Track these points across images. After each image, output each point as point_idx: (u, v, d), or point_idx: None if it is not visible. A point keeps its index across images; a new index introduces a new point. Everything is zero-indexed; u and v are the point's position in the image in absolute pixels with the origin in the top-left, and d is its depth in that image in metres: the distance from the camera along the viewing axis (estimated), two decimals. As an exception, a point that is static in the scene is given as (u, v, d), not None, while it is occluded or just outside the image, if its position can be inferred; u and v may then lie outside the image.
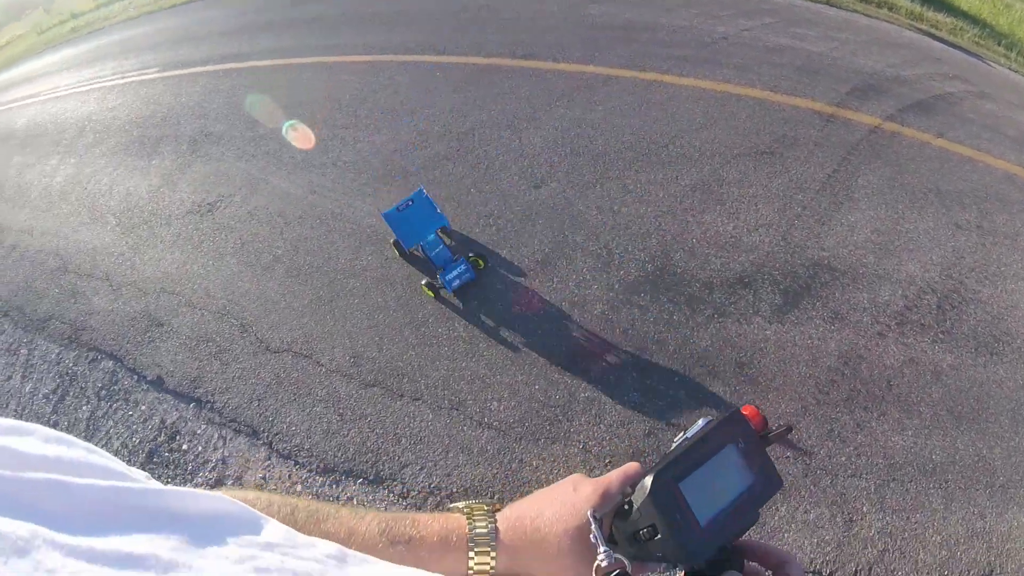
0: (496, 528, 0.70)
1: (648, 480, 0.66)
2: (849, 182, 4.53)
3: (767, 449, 0.74)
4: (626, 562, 0.65)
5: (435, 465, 2.92)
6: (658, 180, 4.26)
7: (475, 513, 0.72)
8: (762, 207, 4.11)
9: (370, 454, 2.98)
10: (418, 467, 2.92)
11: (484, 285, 3.62)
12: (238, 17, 9.52)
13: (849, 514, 2.79)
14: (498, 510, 0.74)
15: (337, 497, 2.88)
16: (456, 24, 7.00)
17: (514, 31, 6.67)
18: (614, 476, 0.73)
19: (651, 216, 4.00)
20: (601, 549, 0.64)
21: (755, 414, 0.77)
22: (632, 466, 0.73)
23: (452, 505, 0.74)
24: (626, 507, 0.67)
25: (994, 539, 2.90)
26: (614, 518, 0.69)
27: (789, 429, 0.80)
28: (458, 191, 4.28)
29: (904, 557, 2.78)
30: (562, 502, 0.71)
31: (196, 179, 5.12)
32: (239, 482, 2.96)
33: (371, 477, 2.92)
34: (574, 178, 4.32)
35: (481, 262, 3.58)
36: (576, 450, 2.95)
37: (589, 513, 0.67)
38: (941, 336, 3.67)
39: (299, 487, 2.93)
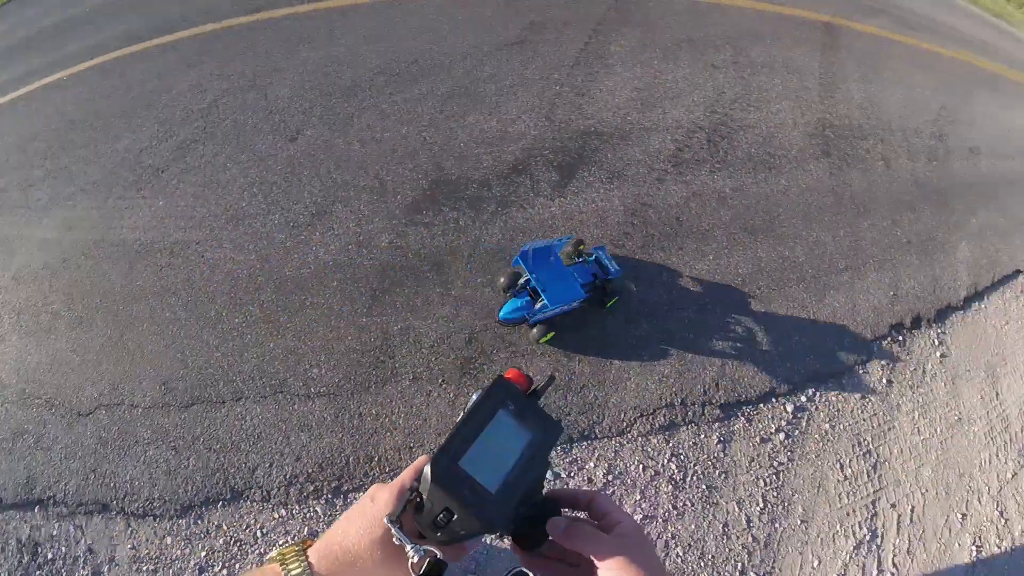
0: (309, 564, 0.74)
1: (426, 469, 0.71)
2: (602, 51, 4.74)
3: (539, 402, 0.83)
4: (436, 551, 0.71)
5: (282, 455, 2.84)
6: (415, 96, 4.22)
7: (287, 557, 0.75)
8: (521, 95, 4.20)
9: (218, 474, 2.85)
10: (267, 465, 2.83)
11: (266, 256, 3.48)
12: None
13: (682, 344, 3.10)
14: (310, 546, 0.77)
15: (207, 531, 2.74)
16: None
17: None
18: (404, 474, 0.79)
19: (414, 134, 3.96)
20: (408, 548, 0.69)
21: (518, 376, 0.86)
22: (420, 460, 0.80)
23: (268, 556, 0.77)
24: (418, 500, 0.72)
25: (819, 323, 3.41)
26: (414, 513, 0.73)
27: (552, 379, 0.91)
28: (214, 171, 4.04)
29: (741, 367, 3.14)
30: (363, 515, 0.76)
31: (-65, 258, 4.50)
32: (114, 564, 2.74)
33: (228, 496, 2.79)
34: (329, 119, 4.19)
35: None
36: (407, 382, 2.95)
37: (385, 519, 0.71)
38: (718, 166, 4.02)
39: (168, 539, 2.75)
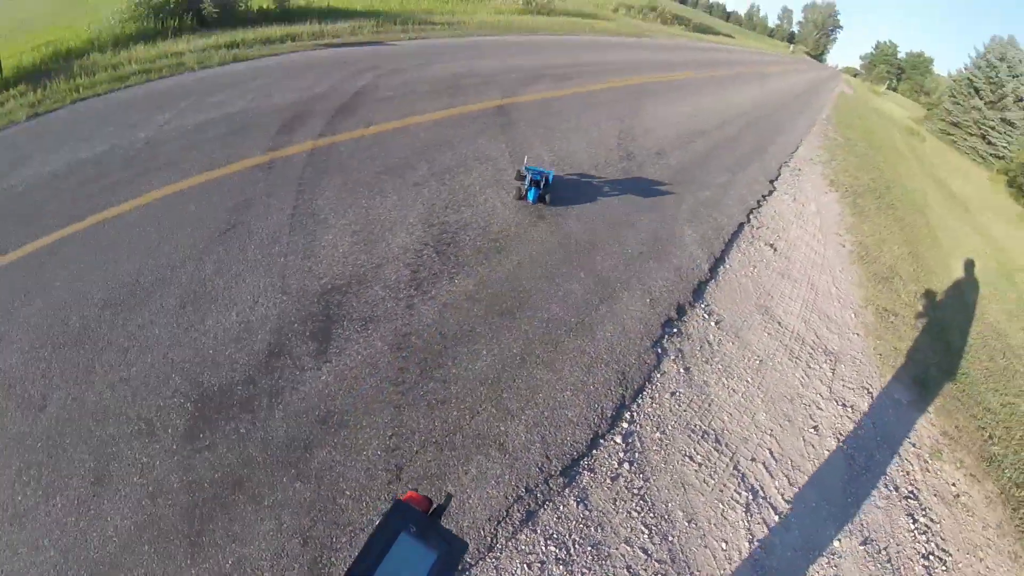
0: None
1: None
2: (311, 208, 5.18)
3: (442, 520, 0.89)
4: None
5: None
6: (148, 319, 4.19)
7: None
8: (250, 279, 4.41)
9: None
10: None
11: (65, 548, 3.18)
12: None
13: (499, 443, 3.44)
14: None
15: None
16: None
17: None
18: None
19: (160, 359, 3.91)
20: None
21: (416, 497, 0.94)
22: None
23: None
24: None
25: (604, 355, 3.87)
26: None
27: (450, 497, 1.01)
28: None
29: (559, 431, 3.42)
30: None
31: None
32: None
33: None
34: (71, 373, 3.91)
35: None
36: None
37: None
38: (454, 271, 4.58)
39: None
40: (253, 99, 7.91)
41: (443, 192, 5.64)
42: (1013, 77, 45.85)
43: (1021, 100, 45.49)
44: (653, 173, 7.41)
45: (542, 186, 5.81)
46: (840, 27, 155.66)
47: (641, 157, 7.85)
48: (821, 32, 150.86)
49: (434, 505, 0.97)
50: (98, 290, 4.52)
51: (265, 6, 15.67)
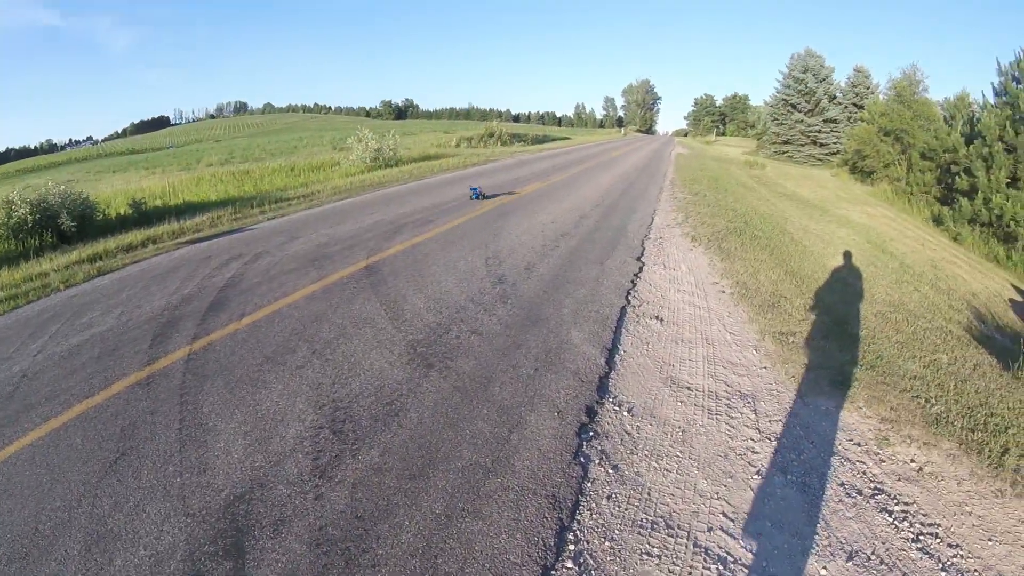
0: None
1: None
2: (198, 418, 4.86)
3: None
4: None
5: None
6: (53, 573, 3.73)
7: None
8: (150, 508, 4.03)
9: None
10: None
11: None
12: None
13: None
14: None
15: None
16: None
17: None
18: None
19: None
20: None
21: None
22: None
23: None
24: None
25: (529, 485, 3.62)
26: None
27: None
28: None
29: (498, 572, 3.27)
30: None
31: None
32: None
33: None
34: None
35: None
36: None
37: None
38: (355, 446, 4.34)
39: None
40: (123, 312, 7.62)
41: (327, 369, 5.45)
42: (820, 81, 51.28)
43: (835, 98, 50.75)
44: (527, 289, 7.52)
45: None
46: (660, 98, 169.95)
47: (512, 277, 7.97)
48: (644, 108, 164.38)
49: None
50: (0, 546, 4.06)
51: (123, 212, 15.46)
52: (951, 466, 4.33)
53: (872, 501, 3.95)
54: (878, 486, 4.10)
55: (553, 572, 3.38)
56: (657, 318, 6.74)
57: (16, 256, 12.83)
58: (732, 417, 4.76)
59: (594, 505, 3.82)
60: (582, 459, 4.25)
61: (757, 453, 4.35)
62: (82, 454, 4.66)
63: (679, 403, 4.94)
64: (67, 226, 13.90)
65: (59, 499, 4.26)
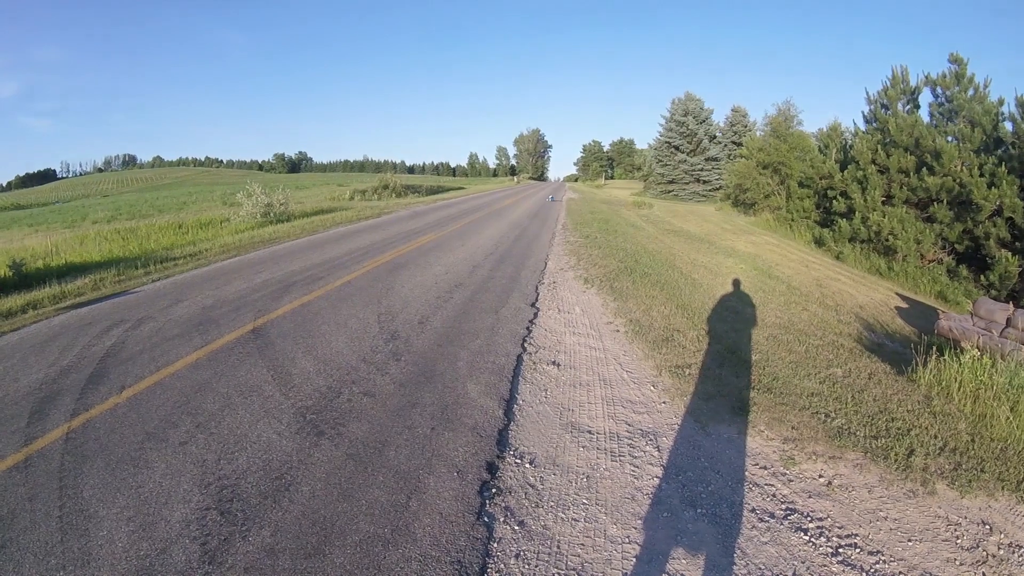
0: None
1: None
2: (78, 505, 4.34)
3: None
4: None
5: None
6: None
7: None
8: None
9: None
10: None
11: None
12: None
13: None
14: None
15: None
16: None
17: None
18: None
19: None
20: None
21: None
22: None
23: None
24: None
25: (432, 554, 3.50)
26: None
27: None
28: None
29: None
30: None
31: None
32: None
33: None
34: None
35: None
36: None
37: None
38: (245, 528, 3.98)
39: None
40: (-2, 389, 6.81)
41: (212, 443, 5.01)
42: (701, 123, 54.32)
43: (715, 138, 53.77)
44: (421, 344, 7.32)
45: None
46: (550, 146, 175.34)
47: (405, 332, 7.74)
48: (535, 156, 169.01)
49: None
50: None
51: (1, 274, 14.21)
52: (860, 475, 4.43)
53: (786, 522, 3.96)
54: (790, 506, 4.13)
55: None
56: (554, 363, 6.69)
57: None
58: (636, 456, 4.72)
59: (502, 566, 3.65)
60: (486, 519, 4.06)
61: (664, 490, 4.30)
62: None
63: (581, 448, 4.86)
64: None
65: None
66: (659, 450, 4.84)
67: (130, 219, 36.45)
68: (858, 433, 4.97)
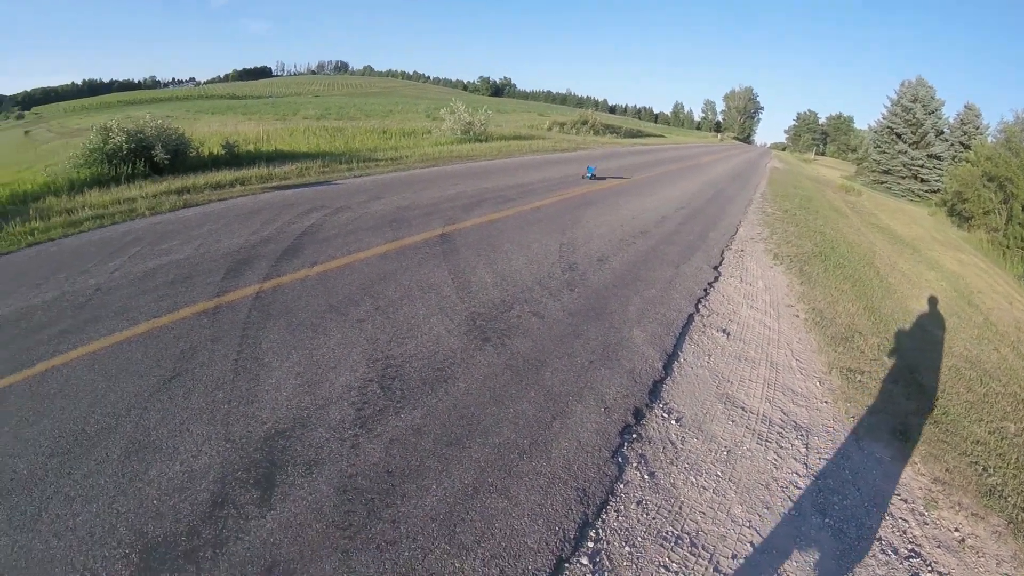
0: None
1: None
2: (255, 353, 5.04)
3: None
4: None
5: None
6: (93, 469, 4.03)
7: None
8: (194, 428, 4.24)
9: None
10: None
11: None
12: None
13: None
14: None
15: None
16: None
17: None
18: None
19: (106, 509, 3.74)
20: None
21: None
22: None
23: None
24: None
25: (561, 474, 3.67)
26: None
27: None
28: None
29: (516, 562, 3.23)
30: None
31: None
32: None
33: None
34: (16, 520, 3.72)
35: None
36: None
37: None
38: (400, 405, 4.41)
39: None
40: (201, 245, 7.99)
41: (387, 326, 5.56)
42: (929, 114, 48.94)
43: (942, 133, 48.34)
44: (597, 280, 7.43)
45: None
46: (762, 108, 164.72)
47: (584, 266, 7.88)
48: (744, 116, 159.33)
49: None
50: (46, 438, 4.38)
51: (215, 151, 16.07)
52: (995, 544, 4.07)
53: (906, 563, 3.75)
54: (915, 549, 3.89)
55: (567, 565, 3.34)
56: (724, 331, 6.56)
57: (108, 180, 13.63)
58: (782, 447, 4.59)
59: (622, 507, 3.76)
60: (619, 459, 4.18)
61: (799, 489, 4.18)
62: (140, 368, 4.93)
63: (730, 422, 4.80)
64: (160, 158, 14.58)
65: (110, 407, 4.51)
66: (807, 448, 4.68)
67: (338, 119, 39.01)
68: (1010, 499, 4.49)
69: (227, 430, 4.25)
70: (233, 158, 16.01)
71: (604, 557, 3.43)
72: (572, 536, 3.52)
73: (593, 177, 16.16)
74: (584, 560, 3.39)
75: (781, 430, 4.89)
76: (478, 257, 7.69)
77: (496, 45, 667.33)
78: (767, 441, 4.71)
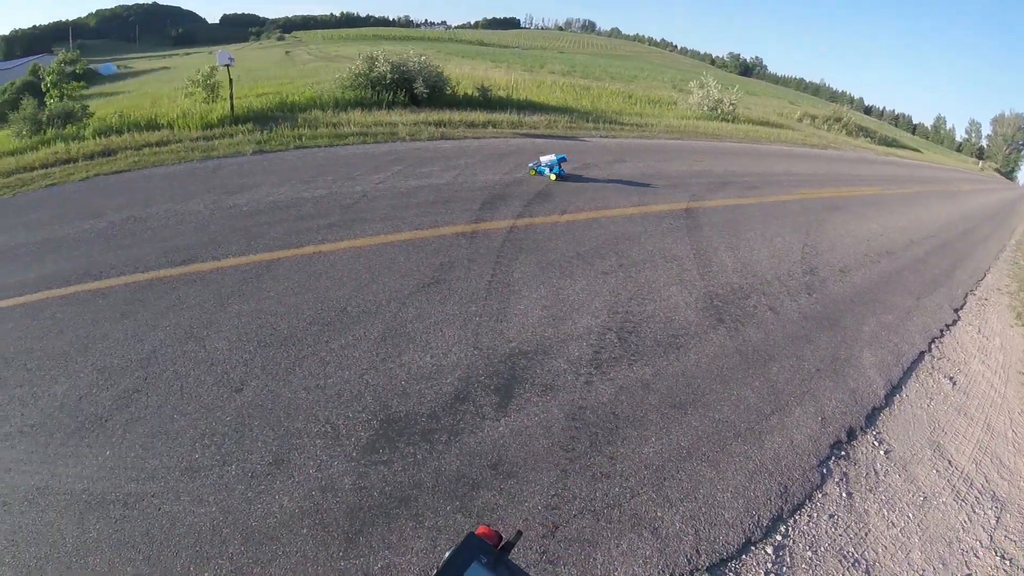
0: None
1: None
2: (507, 279, 5.59)
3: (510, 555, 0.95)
4: None
5: None
6: (350, 342, 4.78)
7: None
8: (447, 329, 4.85)
9: None
10: None
11: (228, 508, 3.50)
12: None
13: (651, 524, 3.38)
14: None
15: None
16: (107, 243, 6.99)
17: (167, 238, 6.95)
18: None
19: (356, 377, 4.43)
20: None
21: (488, 532, 0.99)
22: None
23: None
24: None
25: (769, 465, 3.89)
26: None
27: (520, 534, 1.04)
28: (161, 422, 4.15)
29: (713, 529, 3.47)
30: None
31: None
32: None
33: None
34: (271, 369, 4.58)
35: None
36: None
37: None
38: (633, 358, 4.72)
39: None
40: (459, 175, 8.80)
41: (629, 284, 5.89)
42: None
43: None
44: (836, 290, 7.25)
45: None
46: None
47: (824, 273, 7.68)
48: (1011, 147, 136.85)
49: (504, 540, 1.02)
50: (308, 308, 5.19)
51: (470, 93, 17.06)
52: None
53: None
54: None
55: (752, 548, 3.50)
56: (951, 379, 6.24)
57: (370, 104, 15.24)
58: (974, 512, 4.41)
59: (815, 515, 3.84)
60: (824, 471, 4.26)
61: (978, 559, 4.03)
62: (402, 269, 5.67)
63: (934, 470, 4.68)
64: (420, 91, 15.86)
65: (371, 295, 5.28)
66: (997, 521, 4.40)
67: (583, 78, 38.91)
68: None
69: (476, 339, 4.82)
70: (486, 101, 17.00)
71: (787, 554, 3.53)
72: (765, 525, 3.66)
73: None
74: (768, 550, 3.52)
75: (979, 495, 4.68)
76: (720, 239, 7.75)
77: (750, 20, 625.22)
78: (963, 500, 4.55)
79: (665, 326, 5.30)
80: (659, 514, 3.47)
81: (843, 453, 4.44)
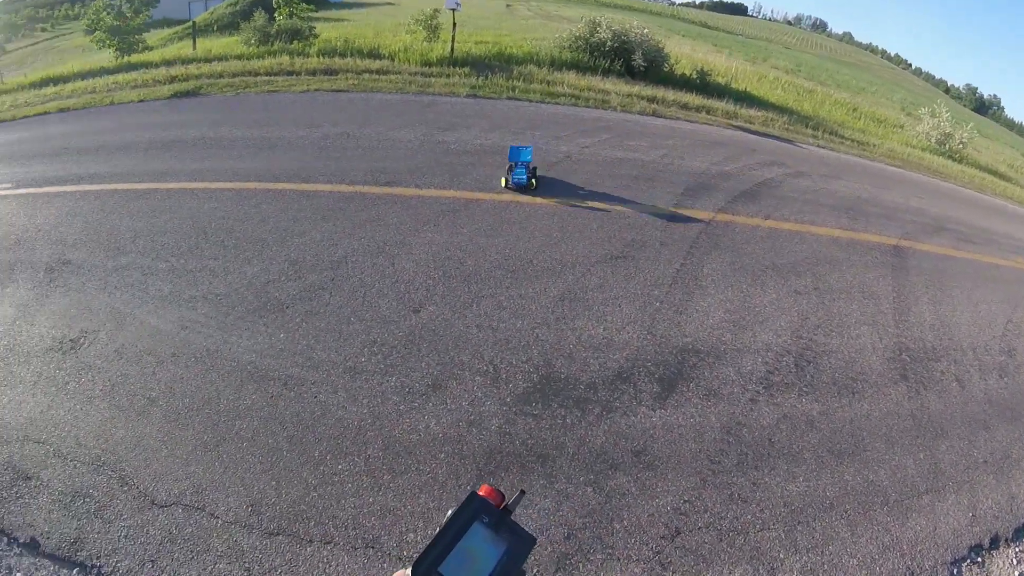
0: None
1: (408, 571, 0.81)
2: (696, 272, 5.48)
3: (512, 516, 0.96)
4: None
5: (362, 615, 2.93)
6: (529, 294, 4.93)
7: None
8: (625, 307, 4.86)
9: (288, 610, 2.91)
10: (343, 622, 2.91)
11: (379, 414, 3.82)
12: (93, 136, 9.66)
13: (769, 564, 3.27)
14: None
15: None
16: (319, 152, 7.71)
17: (375, 159, 7.52)
18: None
19: (528, 329, 4.58)
20: None
21: (491, 492, 0.99)
22: (399, 573, 0.87)
23: None
24: None
25: (904, 546, 3.59)
26: None
27: (522, 494, 1.03)
28: (338, 321, 4.58)
29: None
30: None
31: (56, 312, 4.90)
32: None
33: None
34: (451, 300, 4.84)
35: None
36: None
37: None
38: (805, 390, 4.50)
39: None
40: (665, 155, 8.67)
41: (820, 311, 5.57)
42: None
43: None
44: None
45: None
46: None
47: (1022, 358, 6.81)
48: None
49: (506, 500, 1.01)
50: (495, 252, 5.42)
51: (687, 74, 16.65)
52: None
53: None
54: None
55: None
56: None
57: (585, 68, 15.18)
58: None
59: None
60: (955, 571, 3.90)
61: None
62: (593, 236, 5.94)
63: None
64: (638, 63, 15.60)
65: (557, 255, 5.63)
66: None
67: (808, 80, 36.59)
68: None
69: (652, 324, 4.80)
70: (703, 85, 16.49)
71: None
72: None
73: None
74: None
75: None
76: (924, 289, 7.10)
77: (994, 55, 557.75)
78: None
79: (846, 366, 4.98)
80: (781, 556, 3.36)
81: (979, 559, 4.04)
